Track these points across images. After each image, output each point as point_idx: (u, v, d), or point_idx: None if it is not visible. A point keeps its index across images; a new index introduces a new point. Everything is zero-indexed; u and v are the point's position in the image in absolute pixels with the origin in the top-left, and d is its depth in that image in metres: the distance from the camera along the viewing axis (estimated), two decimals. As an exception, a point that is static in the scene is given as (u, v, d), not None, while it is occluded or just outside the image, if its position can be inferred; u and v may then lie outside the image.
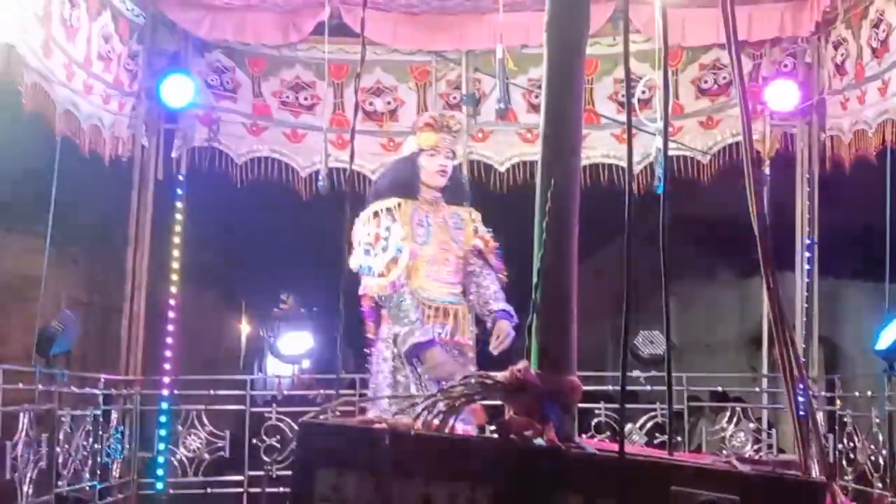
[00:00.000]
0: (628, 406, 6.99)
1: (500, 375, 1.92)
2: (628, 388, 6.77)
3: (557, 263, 1.99)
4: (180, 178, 7.39)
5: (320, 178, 6.95)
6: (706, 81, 7.51)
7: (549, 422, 1.83)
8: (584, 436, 5.05)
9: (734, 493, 1.65)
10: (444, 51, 7.55)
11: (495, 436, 1.85)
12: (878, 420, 6.13)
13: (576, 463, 1.78)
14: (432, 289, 4.65)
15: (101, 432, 6.51)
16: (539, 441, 1.82)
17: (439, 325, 4.57)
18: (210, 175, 7.54)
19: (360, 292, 4.67)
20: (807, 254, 7.31)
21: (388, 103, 7.64)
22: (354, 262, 4.63)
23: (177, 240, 7.31)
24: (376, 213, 4.69)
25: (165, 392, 7.03)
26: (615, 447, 1.80)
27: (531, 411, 1.84)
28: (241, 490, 6.99)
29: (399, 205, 4.71)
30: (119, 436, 6.75)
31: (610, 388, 7.13)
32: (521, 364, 1.93)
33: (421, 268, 4.64)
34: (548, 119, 1.99)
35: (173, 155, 7.37)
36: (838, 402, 6.82)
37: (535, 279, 2.00)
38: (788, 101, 7.13)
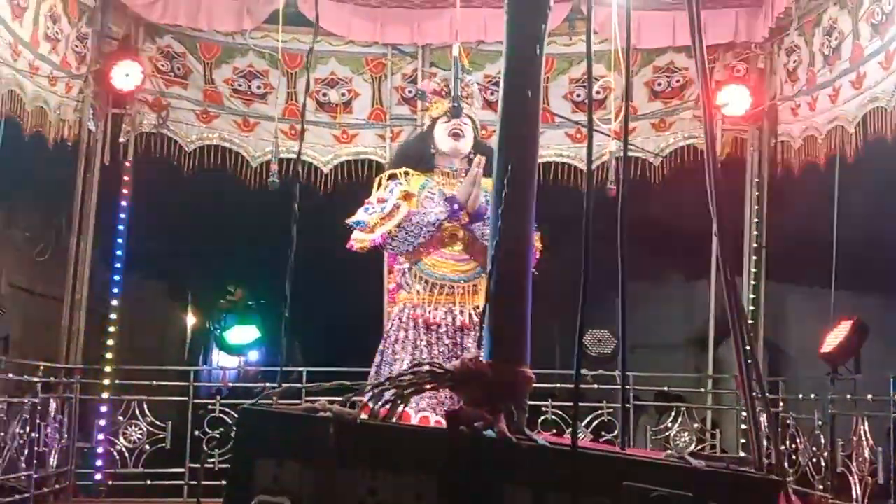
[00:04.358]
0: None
1: (451, 365, 1.88)
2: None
3: (513, 252, 1.95)
4: (127, 164, 7.26)
5: (271, 174, 6.88)
6: (660, 84, 7.55)
7: (500, 413, 1.80)
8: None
9: (688, 488, 1.63)
10: (400, 44, 7.50)
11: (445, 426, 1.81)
12: (820, 422, 6.21)
13: (527, 455, 1.74)
14: (435, 266, 4.60)
15: (38, 421, 6.36)
16: (489, 433, 1.79)
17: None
18: (158, 162, 7.41)
19: (346, 245, 4.70)
20: (754, 257, 7.38)
21: (343, 95, 7.58)
22: (352, 218, 4.68)
23: (122, 227, 7.17)
24: (390, 177, 4.76)
25: (106, 382, 6.90)
26: (567, 441, 1.77)
27: (482, 402, 1.81)
28: (181, 482, 6.88)
29: (407, 173, 4.70)
30: (57, 425, 6.61)
31: (557, 385, 7.12)
32: (473, 353, 1.89)
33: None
34: (506, 104, 1.95)
35: (121, 140, 7.25)
36: (781, 404, 6.90)
37: (489, 266, 1.97)
38: (740, 105, 7.18)
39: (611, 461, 1.77)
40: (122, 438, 6.88)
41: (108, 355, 6.98)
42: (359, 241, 4.63)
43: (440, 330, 4.56)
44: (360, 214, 4.68)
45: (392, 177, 4.78)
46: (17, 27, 5.87)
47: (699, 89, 2.24)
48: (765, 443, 1.96)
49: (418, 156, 4.84)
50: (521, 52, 1.92)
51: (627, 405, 6.99)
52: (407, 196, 4.65)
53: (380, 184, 4.83)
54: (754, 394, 1.84)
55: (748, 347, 1.80)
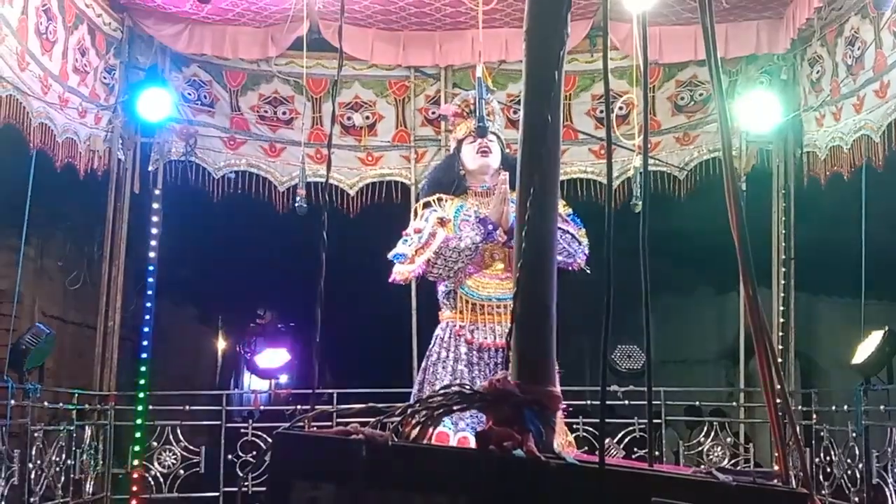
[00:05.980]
0: (606, 420, 6.97)
1: (479, 385, 1.90)
2: (606, 402, 6.77)
3: (537, 272, 1.98)
4: (157, 192, 7.36)
5: (298, 199, 6.91)
6: (683, 98, 7.56)
7: (529, 432, 1.82)
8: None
9: (715, 503, 1.65)
10: (422, 66, 7.56)
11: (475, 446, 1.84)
12: (854, 434, 6.16)
13: (556, 474, 1.76)
14: (479, 287, 4.60)
15: (74, 448, 6.44)
16: (518, 452, 1.81)
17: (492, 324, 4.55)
18: (187, 189, 7.51)
19: (389, 279, 4.69)
20: (783, 269, 7.35)
21: (367, 118, 7.65)
22: (392, 252, 4.66)
23: (153, 254, 7.27)
24: (424, 206, 4.74)
25: (140, 408, 6.97)
26: (595, 459, 1.79)
27: (511, 422, 1.83)
28: (216, 507, 6.93)
29: (440, 199, 4.72)
30: (93, 452, 6.68)
31: (588, 402, 7.12)
32: (501, 374, 1.92)
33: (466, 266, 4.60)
34: (526, 129, 1.99)
35: (150, 169, 7.36)
36: (814, 416, 6.86)
37: (515, 288, 2.00)
38: (764, 117, 7.17)
39: (638, 477, 1.79)
40: (156, 464, 6.94)
41: (142, 381, 7.05)
42: (400, 273, 4.60)
43: (483, 350, 4.55)
44: (399, 247, 4.65)
45: (427, 205, 4.76)
46: (47, 61, 5.98)
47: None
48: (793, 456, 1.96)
49: (449, 180, 4.80)
50: (541, 77, 1.95)
51: (655, 421, 6.99)
52: (443, 222, 4.63)
53: (416, 214, 4.83)
54: (780, 411, 1.85)
55: (774, 363, 1.81)
